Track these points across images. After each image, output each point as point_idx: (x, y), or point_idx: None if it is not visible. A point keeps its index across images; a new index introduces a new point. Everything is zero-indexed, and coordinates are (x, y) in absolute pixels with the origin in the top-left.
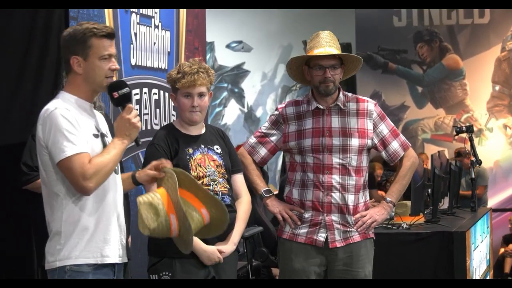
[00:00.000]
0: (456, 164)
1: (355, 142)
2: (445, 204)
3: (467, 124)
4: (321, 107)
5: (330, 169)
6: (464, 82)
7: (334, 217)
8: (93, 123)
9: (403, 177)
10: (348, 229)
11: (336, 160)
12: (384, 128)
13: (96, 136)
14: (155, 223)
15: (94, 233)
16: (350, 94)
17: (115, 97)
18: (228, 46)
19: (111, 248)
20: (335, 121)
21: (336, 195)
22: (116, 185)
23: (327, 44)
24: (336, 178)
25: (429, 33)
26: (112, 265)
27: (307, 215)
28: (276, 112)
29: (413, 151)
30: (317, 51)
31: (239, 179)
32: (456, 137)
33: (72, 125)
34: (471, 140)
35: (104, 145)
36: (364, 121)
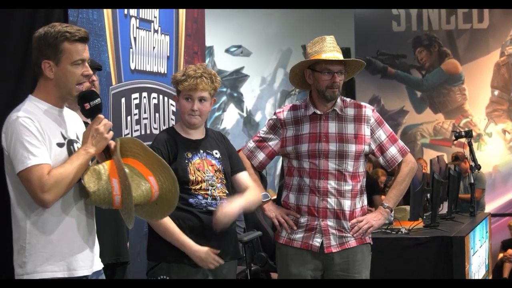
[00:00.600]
0: (455, 168)
1: (351, 148)
2: (444, 209)
3: (466, 129)
4: (319, 112)
5: (326, 174)
6: (463, 87)
7: (330, 222)
8: (59, 130)
9: (400, 182)
10: (344, 234)
11: (332, 165)
12: (382, 134)
13: (60, 145)
14: (96, 186)
15: (59, 246)
16: (348, 100)
17: (86, 108)
18: (227, 50)
19: (79, 260)
20: (332, 127)
21: (331, 201)
22: (82, 192)
23: (334, 49)
24: (332, 184)
25: (428, 38)
26: (84, 277)
27: (303, 220)
28: (274, 117)
29: (412, 157)
30: (326, 56)
31: (244, 176)
32: (455, 142)
33: (33, 135)
34: (470, 145)
35: (70, 153)
36: (361, 127)
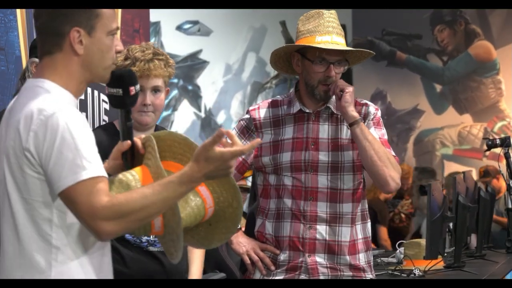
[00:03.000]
0: (487, 189)
1: (348, 156)
2: (472, 243)
3: (502, 136)
4: (307, 110)
5: (315, 194)
6: (498, 78)
7: (319, 258)
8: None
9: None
10: (339, 273)
11: (323, 181)
12: (373, 133)
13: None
14: None
15: None
16: None
17: (131, 94)
18: (179, 28)
19: None
20: (324, 130)
21: (322, 229)
22: None
23: (334, 31)
24: (322, 207)
25: (452, 13)
26: None
27: (283, 256)
28: (247, 116)
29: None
30: (321, 39)
31: None
32: (488, 152)
33: (85, 135)
34: (507, 157)
35: None
36: None
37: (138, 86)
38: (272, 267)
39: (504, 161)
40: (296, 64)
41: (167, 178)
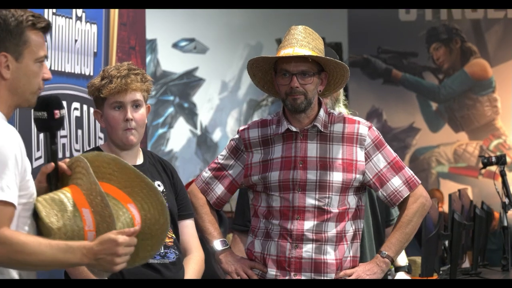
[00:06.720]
0: (483, 207)
1: (337, 177)
2: (467, 261)
3: (498, 154)
4: (294, 129)
5: (302, 213)
6: (494, 96)
7: (306, 277)
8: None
9: (406, 224)
10: None
11: (310, 201)
12: (381, 160)
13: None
14: (60, 221)
15: None
16: (336, 113)
17: (56, 117)
18: (175, 45)
19: None
20: (312, 149)
21: (308, 248)
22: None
23: (297, 44)
24: (309, 226)
25: (447, 30)
26: None
27: (270, 274)
28: (237, 136)
29: (424, 190)
30: (283, 52)
31: (189, 228)
32: (483, 170)
33: (10, 159)
34: (503, 175)
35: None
36: (352, 150)
37: (63, 111)
38: None
39: (500, 179)
40: (276, 83)
41: (64, 244)
